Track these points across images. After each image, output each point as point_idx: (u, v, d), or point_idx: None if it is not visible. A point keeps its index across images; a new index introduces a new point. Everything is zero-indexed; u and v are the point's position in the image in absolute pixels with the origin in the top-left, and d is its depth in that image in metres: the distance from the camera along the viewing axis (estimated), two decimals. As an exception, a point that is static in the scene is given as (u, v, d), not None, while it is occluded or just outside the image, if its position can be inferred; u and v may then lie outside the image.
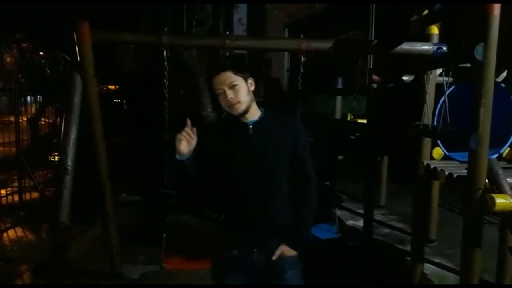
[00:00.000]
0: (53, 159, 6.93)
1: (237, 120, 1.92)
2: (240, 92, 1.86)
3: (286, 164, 1.93)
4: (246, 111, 1.89)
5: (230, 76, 1.86)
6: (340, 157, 5.47)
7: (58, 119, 7.81)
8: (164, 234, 2.64)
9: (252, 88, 1.92)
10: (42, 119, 8.22)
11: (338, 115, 6.25)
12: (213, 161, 1.93)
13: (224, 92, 1.86)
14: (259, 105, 1.96)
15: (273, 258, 1.90)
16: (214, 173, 1.95)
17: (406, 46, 3.05)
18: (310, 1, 10.11)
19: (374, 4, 7.86)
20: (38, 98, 8.07)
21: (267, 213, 1.90)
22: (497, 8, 2.21)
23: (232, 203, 1.93)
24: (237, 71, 1.87)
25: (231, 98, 1.85)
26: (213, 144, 1.94)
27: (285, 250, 1.91)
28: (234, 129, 1.93)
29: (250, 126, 1.91)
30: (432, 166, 2.99)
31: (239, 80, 1.87)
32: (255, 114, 1.93)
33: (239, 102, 1.86)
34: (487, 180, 2.32)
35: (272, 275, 1.93)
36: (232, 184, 1.92)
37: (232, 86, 1.85)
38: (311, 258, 2.23)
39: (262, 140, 1.90)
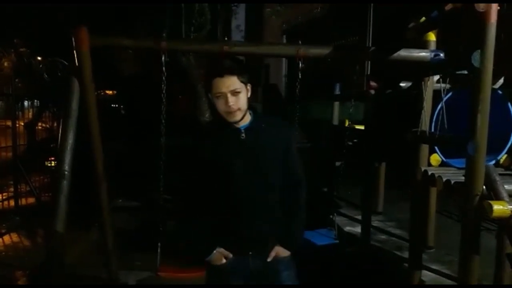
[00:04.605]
0: (49, 164, 6.90)
1: (229, 125, 1.87)
2: (241, 100, 1.82)
3: (278, 168, 1.93)
4: (241, 118, 1.86)
5: (235, 82, 1.79)
6: (338, 163, 5.47)
7: (55, 124, 7.80)
8: (159, 243, 2.62)
9: (249, 95, 1.88)
10: (39, 124, 8.21)
11: (336, 121, 6.26)
12: (207, 168, 1.90)
13: (226, 97, 1.79)
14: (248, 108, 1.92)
15: (268, 259, 1.92)
16: (207, 181, 1.92)
17: (403, 53, 3.06)
18: (310, 1, 10.13)
19: (371, 11, 7.91)
20: (35, 103, 8.07)
21: (260, 217, 1.90)
22: (494, 15, 2.22)
23: (225, 208, 1.90)
24: (242, 76, 1.82)
25: (232, 104, 1.79)
26: (206, 151, 1.90)
27: (280, 251, 1.93)
28: (226, 135, 1.89)
29: (242, 131, 1.88)
30: (429, 173, 2.99)
31: (242, 88, 1.82)
32: (246, 119, 1.90)
33: (239, 109, 1.81)
34: (484, 187, 2.32)
35: (267, 277, 1.94)
36: (225, 189, 1.89)
37: (236, 93, 1.80)
38: (309, 265, 2.23)
39: (255, 145, 1.88)
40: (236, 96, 1.80)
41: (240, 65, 1.92)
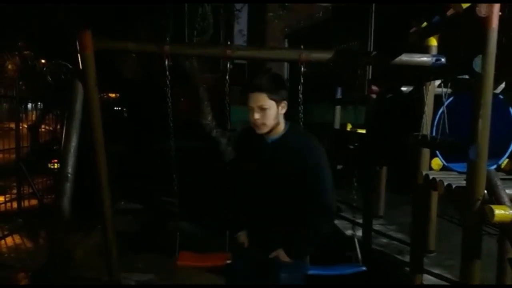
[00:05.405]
0: (53, 166, 6.92)
1: (259, 135, 1.98)
2: (268, 116, 1.91)
3: (294, 187, 1.96)
4: (268, 132, 1.96)
5: (263, 99, 1.89)
6: (339, 167, 5.47)
7: (59, 126, 7.82)
8: (178, 233, 2.65)
9: (283, 111, 1.95)
10: (43, 126, 8.23)
11: (337, 125, 6.27)
12: (238, 162, 2.15)
13: (253, 111, 1.91)
14: (285, 119, 2.01)
15: (270, 256, 2.02)
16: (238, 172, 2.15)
17: (405, 57, 3.07)
18: (313, 1, 10.16)
19: (373, 15, 7.94)
20: (39, 105, 8.09)
21: (268, 225, 2.03)
22: (495, 20, 2.24)
23: (244, 203, 2.09)
24: (272, 94, 1.89)
25: (257, 119, 1.90)
26: (238, 149, 2.17)
27: (281, 255, 2.00)
28: (255, 143, 2.02)
29: (269, 143, 1.99)
30: (431, 177, 3.00)
31: (271, 105, 1.90)
32: (278, 132, 1.99)
33: (263, 124, 1.92)
34: (486, 191, 2.33)
35: (267, 270, 2.05)
36: (244, 187, 2.07)
37: (262, 109, 1.89)
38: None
39: (277, 159, 1.97)
40: (262, 112, 1.90)
41: (275, 83, 1.94)
